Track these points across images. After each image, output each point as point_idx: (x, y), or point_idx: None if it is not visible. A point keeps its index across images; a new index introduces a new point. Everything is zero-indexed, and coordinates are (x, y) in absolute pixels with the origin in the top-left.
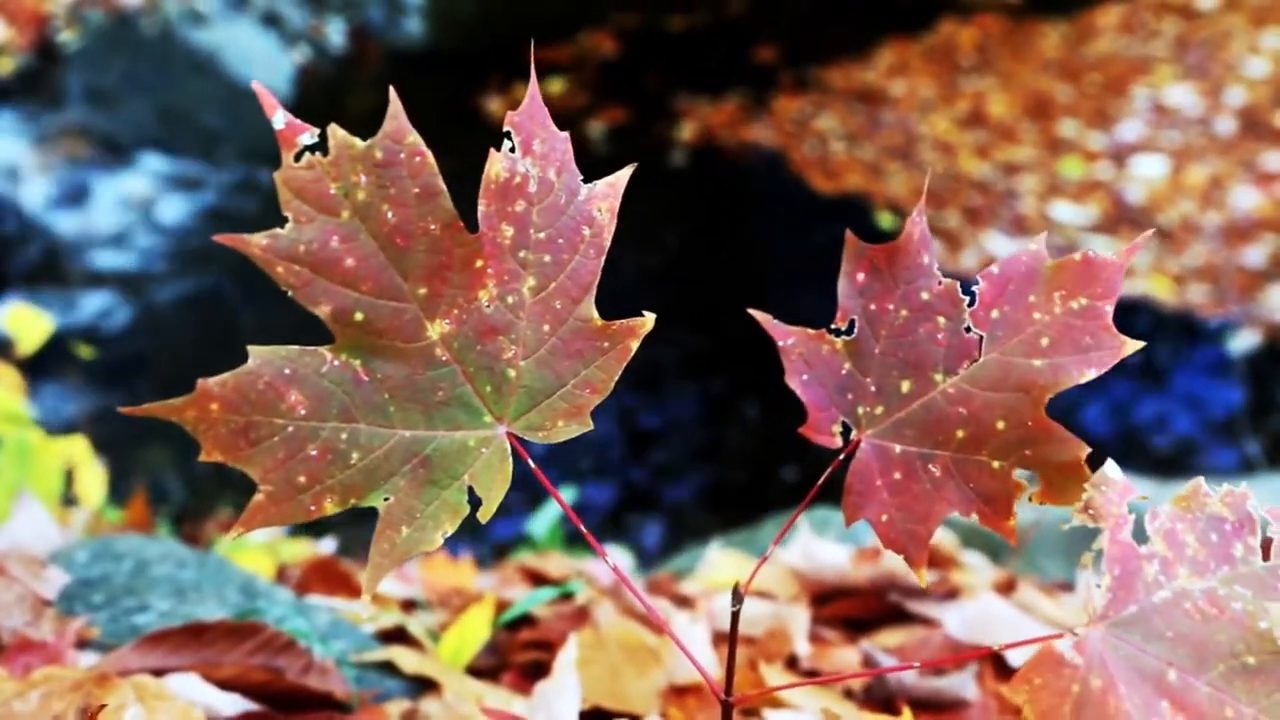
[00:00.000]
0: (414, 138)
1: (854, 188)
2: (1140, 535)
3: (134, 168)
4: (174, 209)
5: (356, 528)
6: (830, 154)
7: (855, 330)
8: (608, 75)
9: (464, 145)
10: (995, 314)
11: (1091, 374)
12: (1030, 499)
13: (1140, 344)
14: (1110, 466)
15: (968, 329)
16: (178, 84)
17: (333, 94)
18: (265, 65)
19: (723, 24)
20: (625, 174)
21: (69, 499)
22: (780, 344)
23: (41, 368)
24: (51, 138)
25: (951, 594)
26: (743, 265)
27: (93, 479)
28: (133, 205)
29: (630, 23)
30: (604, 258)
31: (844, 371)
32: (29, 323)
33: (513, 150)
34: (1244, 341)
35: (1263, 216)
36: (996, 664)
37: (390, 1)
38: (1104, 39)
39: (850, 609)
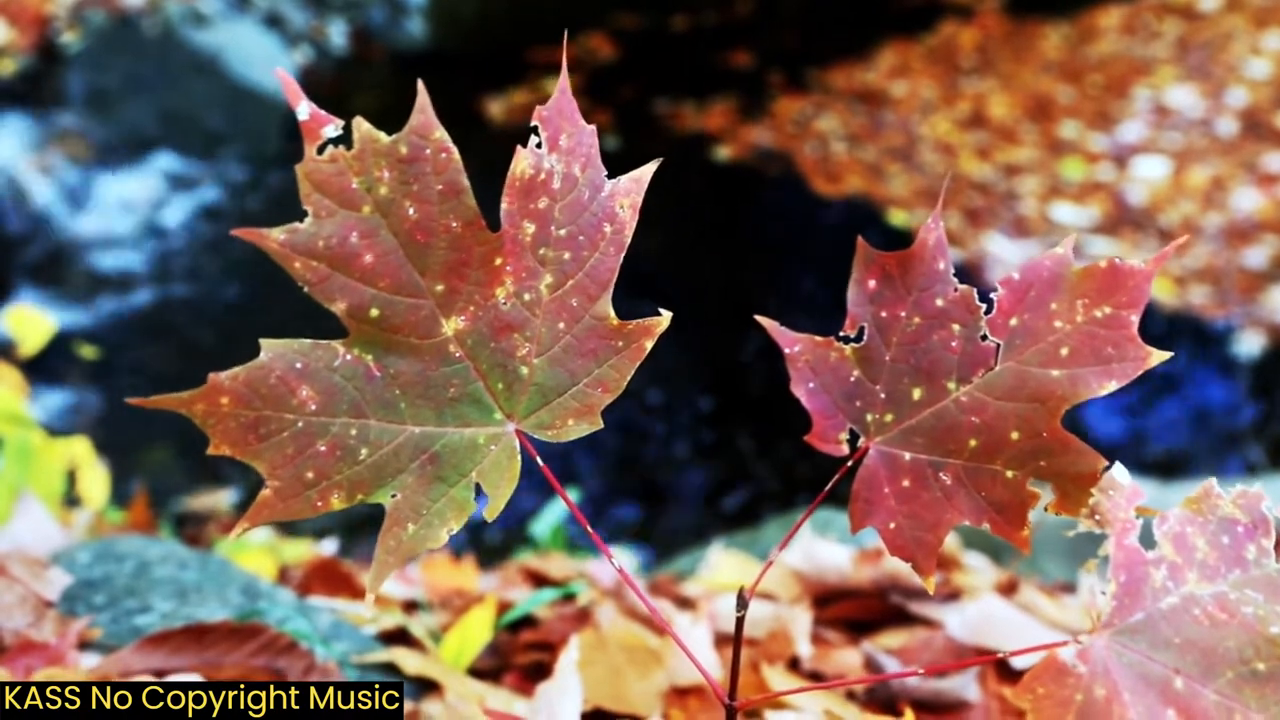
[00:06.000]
0: (440, 133)
1: (855, 189)
2: (1148, 541)
3: (136, 169)
4: (177, 210)
5: (357, 528)
6: (831, 155)
7: (865, 337)
8: (609, 76)
9: (465, 147)
10: (1014, 322)
11: (1112, 385)
12: (1046, 509)
13: (1167, 354)
14: (1118, 470)
15: (984, 337)
16: (180, 85)
17: (335, 95)
18: (267, 66)
19: (724, 26)
20: (649, 169)
21: (71, 500)
22: (786, 351)
23: (44, 369)
24: (53, 139)
25: (953, 595)
26: (745, 267)
27: (95, 480)
28: (135, 206)
29: (633, 24)
30: (623, 255)
31: (852, 379)
32: (31, 323)
33: (539, 146)
34: (1249, 345)
35: (1264, 218)
36: (998, 665)
37: (392, 3)
38: (1105, 40)
39: (852, 610)
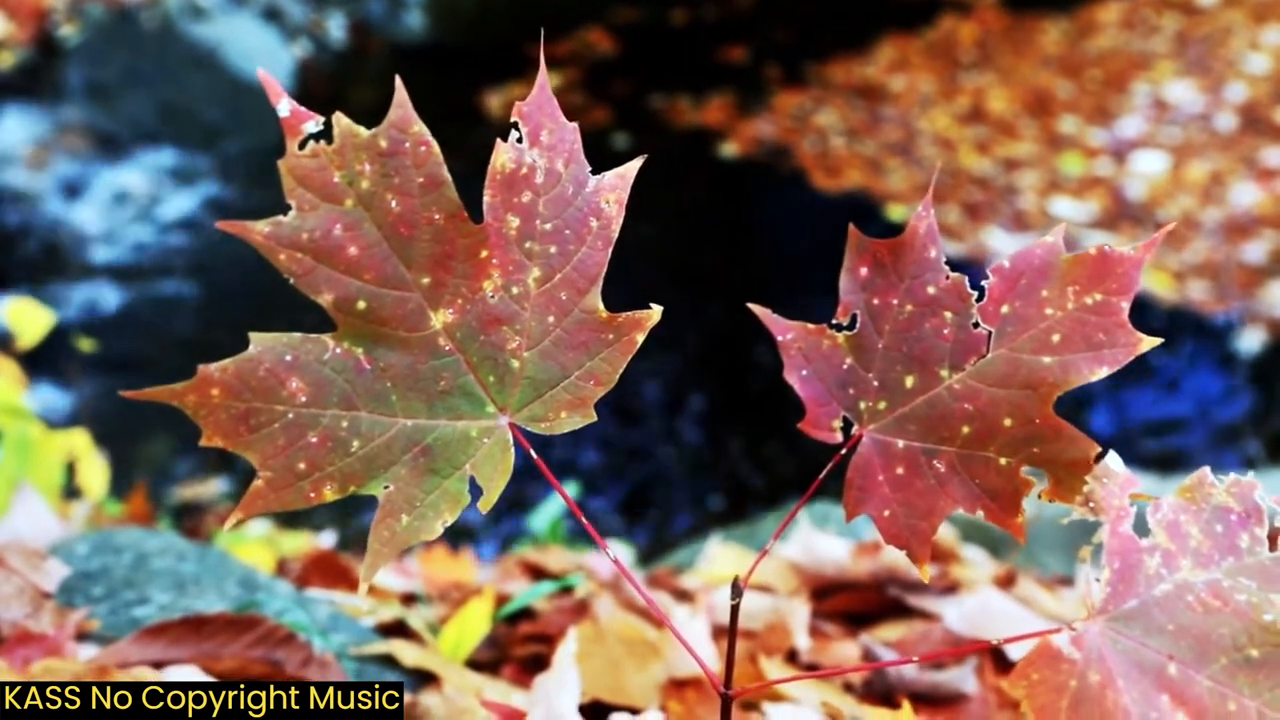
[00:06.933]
0: (419, 127)
1: (854, 184)
2: (1142, 529)
3: (134, 162)
4: (175, 203)
5: (356, 521)
6: (831, 150)
7: (857, 325)
8: (607, 71)
9: (464, 140)
10: (1005, 309)
11: (1104, 372)
12: (1039, 496)
13: (1157, 340)
14: (1112, 458)
15: (976, 324)
16: (178, 79)
17: (333, 88)
18: (266, 60)
19: (724, 20)
20: (634, 165)
21: (71, 492)
22: (779, 339)
23: (42, 361)
24: (52, 132)
25: (951, 588)
26: (744, 261)
27: (94, 472)
28: (134, 199)
29: (632, 18)
30: (611, 249)
31: (845, 366)
32: (30, 316)
33: (520, 140)
34: (1248, 340)
35: (1263, 213)
36: (996, 658)
37: None
38: (1104, 35)
39: (850, 603)
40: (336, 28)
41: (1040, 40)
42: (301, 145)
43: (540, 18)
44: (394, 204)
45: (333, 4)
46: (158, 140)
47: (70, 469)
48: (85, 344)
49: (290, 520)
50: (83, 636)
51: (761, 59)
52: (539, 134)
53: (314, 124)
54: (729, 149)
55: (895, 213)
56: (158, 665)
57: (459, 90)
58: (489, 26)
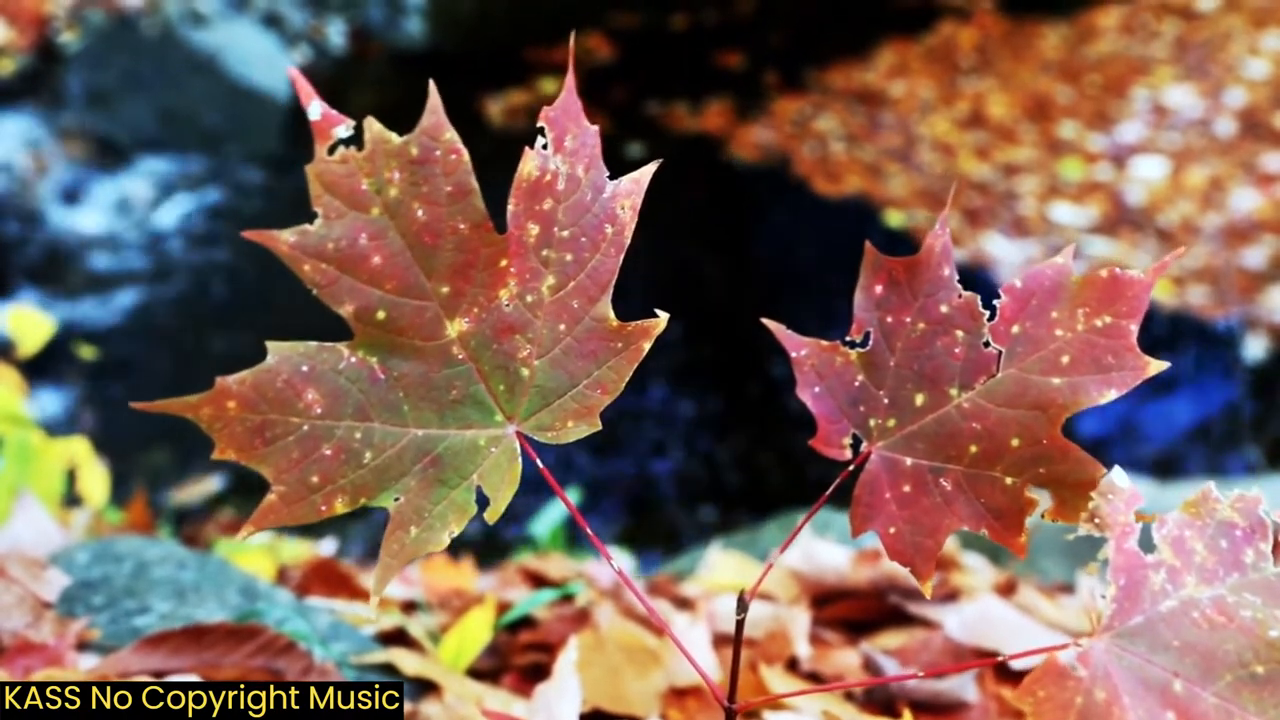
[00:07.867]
0: (451, 134)
1: (854, 189)
2: (1147, 543)
3: (134, 169)
4: (175, 209)
5: (355, 528)
6: (830, 155)
7: (870, 342)
8: (606, 77)
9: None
10: (1016, 329)
11: (1112, 394)
12: (1043, 516)
13: (1164, 365)
14: (1117, 474)
15: (986, 344)
16: (178, 85)
17: (333, 95)
18: (266, 66)
19: (724, 25)
20: (649, 170)
21: (71, 499)
22: (793, 355)
23: (43, 369)
24: (52, 138)
25: (952, 596)
26: (743, 267)
27: (95, 480)
28: (133, 205)
29: (631, 23)
30: (623, 256)
31: (857, 383)
32: (30, 324)
33: (545, 147)
34: (1248, 345)
35: (1263, 218)
36: (997, 666)
37: (391, 2)
38: (1104, 40)
39: (851, 611)
40: (336, 34)
41: (1040, 45)
42: (330, 150)
43: (539, 24)
44: (420, 213)
45: (332, 10)
46: (158, 146)
47: (71, 477)
48: (86, 351)
49: (290, 527)
50: (83, 646)
51: (760, 64)
52: (564, 139)
53: (345, 128)
54: (728, 155)
55: (894, 218)
56: (158, 675)
57: (458, 97)
58: (488, 33)
